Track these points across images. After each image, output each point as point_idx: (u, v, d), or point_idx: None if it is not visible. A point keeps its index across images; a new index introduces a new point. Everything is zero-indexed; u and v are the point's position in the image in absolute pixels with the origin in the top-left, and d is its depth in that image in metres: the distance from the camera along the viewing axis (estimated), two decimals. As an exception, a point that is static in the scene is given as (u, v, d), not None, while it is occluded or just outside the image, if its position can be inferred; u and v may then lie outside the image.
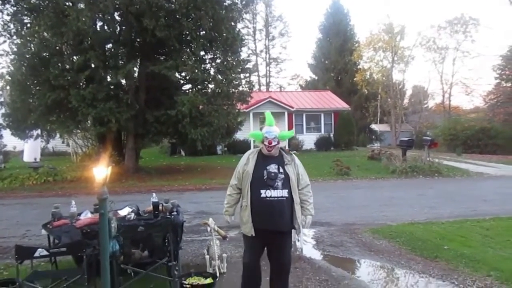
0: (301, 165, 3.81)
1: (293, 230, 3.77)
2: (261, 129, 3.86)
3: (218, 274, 4.70)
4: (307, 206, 3.76)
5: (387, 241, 6.47)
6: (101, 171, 3.05)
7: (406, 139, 19.09)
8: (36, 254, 3.75)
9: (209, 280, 4.39)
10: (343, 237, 6.77)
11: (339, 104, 26.86)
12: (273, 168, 3.60)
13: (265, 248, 3.79)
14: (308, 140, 24.76)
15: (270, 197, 3.53)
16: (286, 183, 3.59)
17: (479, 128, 27.50)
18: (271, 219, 3.53)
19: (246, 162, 3.72)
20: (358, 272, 5.34)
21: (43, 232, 4.45)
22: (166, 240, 4.31)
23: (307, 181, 3.81)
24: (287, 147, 23.20)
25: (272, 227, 3.57)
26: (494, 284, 4.58)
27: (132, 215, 4.57)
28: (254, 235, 3.59)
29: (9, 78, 14.43)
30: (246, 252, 3.83)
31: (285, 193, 3.57)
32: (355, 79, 39.09)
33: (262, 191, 3.54)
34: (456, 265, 5.20)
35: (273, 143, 3.64)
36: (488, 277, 4.77)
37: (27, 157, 18.80)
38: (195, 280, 4.39)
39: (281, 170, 3.61)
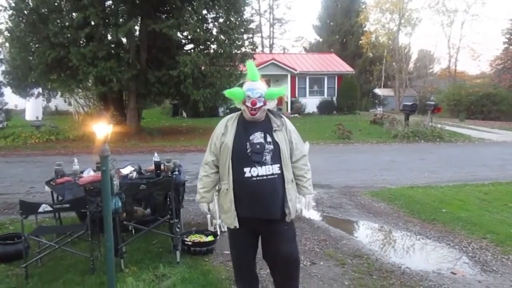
0: (294, 130, 2.97)
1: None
2: (241, 85, 2.97)
3: (219, 233, 4.80)
4: (303, 184, 2.94)
5: (386, 203, 6.56)
6: (102, 128, 3.04)
7: (409, 103, 18.94)
8: (40, 210, 3.82)
9: (210, 238, 4.50)
10: (343, 199, 6.86)
11: (343, 67, 26.47)
12: (258, 137, 2.78)
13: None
14: (311, 103, 24.62)
15: (257, 176, 2.73)
16: (277, 156, 2.78)
17: (484, 93, 27.14)
18: (260, 205, 2.76)
19: (224, 131, 2.86)
20: (356, 233, 5.45)
21: (47, 189, 4.52)
22: (168, 199, 4.37)
23: (303, 150, 2.97)
24: (288, 110, 23.14)
25: (262, 215, 2.78)
26: (489, 246, 4.67)
27: (134, 174, 4.62)
28: (238, 226, 2.82)
29: (8, 35, 14.18)
30: (233, 249, 3.03)
31: (275, 169, 2.77)
32: (360, 42, 38.26)
33: (246, 169, 2.73)
34: (452, 228, 5.29)
35: (258, 104, 2.77)
36: (484, 239, 4.87)
37: (29, 116, 18.82)
38: (196, 238, 4.51)
39: (269, 139, 2.79)
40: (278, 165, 2.78)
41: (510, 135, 17.57)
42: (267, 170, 2.75)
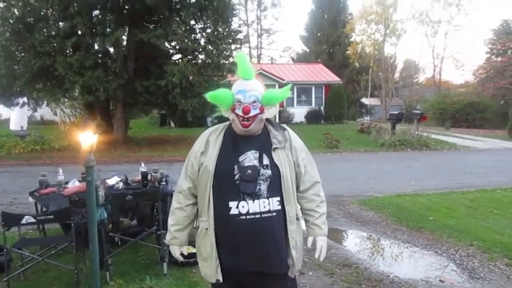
0: (302, 147, 2.18)
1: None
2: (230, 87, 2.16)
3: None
4: (314, 221, 2.18)
5: (374, 212, 6.58)
6: (87, 138, 3.00)
7: (396, 112, 19.16)
8: (23, 221, 3.73)
9: (197, 248, 4.44)
10: (331, 208, 6.85)
11: (330, 77, 26.73)
12: (250, 158, 2.01)
13: None
14: (299, 113, 24.73)
15: (247, 213, 1.96)
16: (276, 185, 2.01)
17: (468, 102, 27.76)
18: (252, 253, 2.00)
19: (204, 149, 2.08)
20: (345, 242, 5.44)
21: (30, 199, 4.42)
22: (155, 210, 4.32)
23: (315, 176, 2.19)
24: (277, 120, 23.10)
25: (254, 267, 2.03)
26: (476, 253, 4.71)
27: (121, 184, 4.54)
28: (221, 280, 2.06)
29: (-8, 44, 13.98)
30: None
31: (274, 203, 2.00)
32: (347, 52, 38.79)
33: (233, 204, 1.96)
34: (440, 235, 5.33)
35: (252, 112, 2.00)
36: (471, 246, 4.90)
37: (13, 126, 18.50)
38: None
39: (266, 161, 2.01)
40: (278, 198, 2.01)
41: (494, 142, 17.89)
42: (262, 205, 1.97)
